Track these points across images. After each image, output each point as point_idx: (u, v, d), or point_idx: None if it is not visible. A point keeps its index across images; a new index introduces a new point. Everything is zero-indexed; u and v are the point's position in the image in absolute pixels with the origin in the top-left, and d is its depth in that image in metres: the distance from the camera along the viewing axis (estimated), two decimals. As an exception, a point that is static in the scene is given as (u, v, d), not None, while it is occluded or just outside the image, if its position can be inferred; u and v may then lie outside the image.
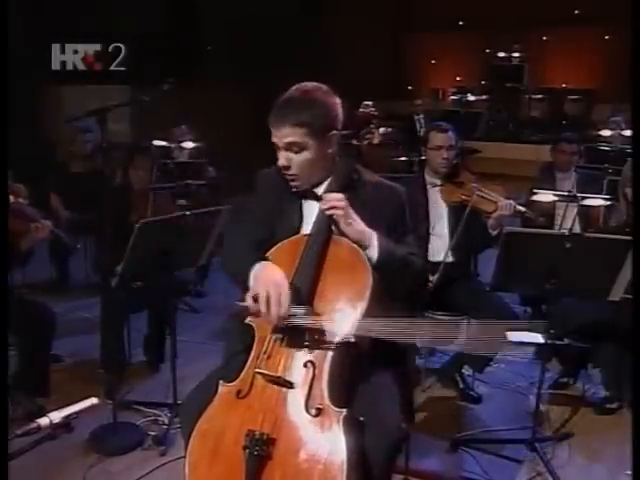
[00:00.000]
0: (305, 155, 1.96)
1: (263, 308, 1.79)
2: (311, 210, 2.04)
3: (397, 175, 4.29)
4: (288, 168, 1.98)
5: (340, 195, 1.93)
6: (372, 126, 2.10)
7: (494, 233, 3.36)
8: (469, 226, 3.46)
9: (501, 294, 3.40)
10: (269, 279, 1.82)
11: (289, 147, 1.95)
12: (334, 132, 1.97)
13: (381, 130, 2.08)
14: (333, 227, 1.96)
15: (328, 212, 1.91)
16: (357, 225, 1.92)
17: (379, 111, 2.13)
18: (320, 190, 2.03)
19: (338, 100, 2.00)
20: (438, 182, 3.51)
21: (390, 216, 2.04)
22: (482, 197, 3.42)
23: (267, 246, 2.06)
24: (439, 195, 3.50)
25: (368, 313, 1.85)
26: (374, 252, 1.91)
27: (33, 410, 3.04)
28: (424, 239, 3.39)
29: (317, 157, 1.97)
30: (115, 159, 3.53)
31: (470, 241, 3.50)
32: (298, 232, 2.04)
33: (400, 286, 2.04)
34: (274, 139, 1.98)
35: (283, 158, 1.97)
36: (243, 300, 1.88)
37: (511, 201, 3.37)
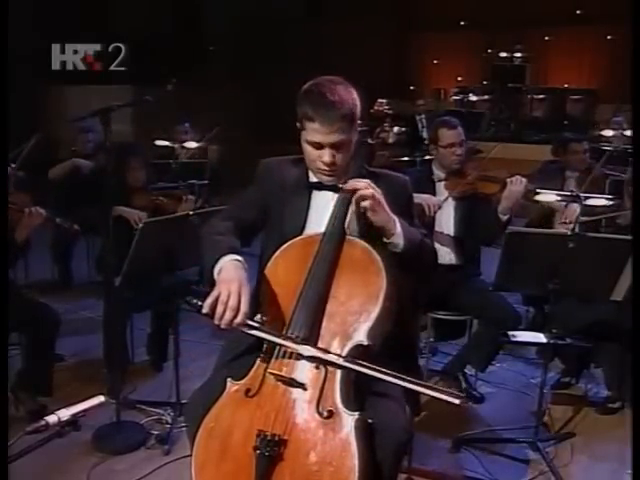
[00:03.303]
0: (347, 149, 1.96)
1: (220, 309, 1.76)
2: (318, 202, 2.04)
3: (406, 169, 4.29)
4: (333, 164, 1.96)
5: (366, 181, 1.91)
6: (386, 125, 2.10)
7: (505, 218, 3.25)
8: (475, 215, 3.41)
9: (504, 294, 3.40)
10: (233, 281, 1.78)
11: (337, 145, 1.93)
12: (359, 121, 1.98)
13: (395, 130, 2.09)
14: (347, 226, 1.96)
15: (358, 200, 1.88)
16: (384, 212, 1.90)
17: (392, 110, 2.13)
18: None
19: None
20: (443, 176, 3.50)
21: (399, 206, 2.02)
22: (486, 180, 3.37)
23: (258, 236, 2.09)
24: (444, 189, 3.47)
25: (382, 316, 1.85)
26: (400, 239, 1.91)
27: (36, 409, 3.05)
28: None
29: (352, 149, 1.98)
30: (112, 160, 3.55)
31: (477, 231, 3.42)
32: (304, 224, 2.04)
33: (421, 269, 2.05)
34: (317, 138, 1.92)
35: (329, 155, 1.94)
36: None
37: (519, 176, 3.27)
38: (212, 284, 1.85)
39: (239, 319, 1.76)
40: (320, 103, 1.90)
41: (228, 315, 1.75)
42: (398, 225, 1.92)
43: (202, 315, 1.78)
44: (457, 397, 1.67)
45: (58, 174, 5.02)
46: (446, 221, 3.45)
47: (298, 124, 1.98)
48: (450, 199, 3.43)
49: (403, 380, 1.74)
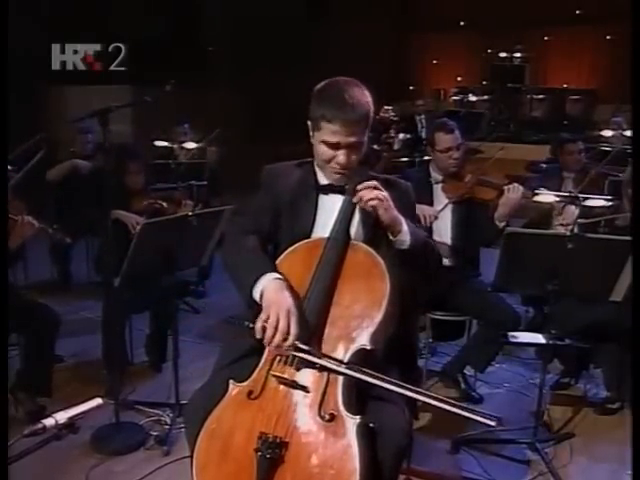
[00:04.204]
0: (361, 151, 1.95)
1: (270, 332, 1.78)
2: (325, 205, 2.04)
3: (405, 170, 4.28)
4: (347, 165, 1.95)
5: (373, 183, 1.92)
6: (392, 131, 2.10)
7: (501, 225, 3.24)
8: (472, 219, 3.41)
9: (503, 295, 3.40)
10: (282, 305, 1.80)
11: (353, 146, 1.92)
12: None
13: (400, 136, 2.10)
14: (352, 230, 1.97)
15: (366, 205, 1.89)
16: (392, 210, 1.91)
17: (397, 116, 2.12)
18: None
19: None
20: (440, 178, 3.48)
21: (403, 210, 2.02)
22: (483, 185, 3.36)
23: (274, 243, 2.08)
24: (442, 191, 3.46)
25: (385, 321, 1.85)
26: (406, 236, 1.92)
27: (35, 410, 3.05)
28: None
29: (363, 151, 1.97)
30: (110, 162, 3.54)
31: (473, 235, 3.42)
32: (312, 228, 2.04)
33: (426, 267, 2.06)
34: (335, 139, 1.90)
35: (344, 156, 1.93)
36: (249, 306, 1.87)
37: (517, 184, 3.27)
38: (250, 303, 1.88)
39: (289, 342, 1.78)
40: (339, 105, 1.88)
41: (278, 338, 1.78)
42: (404, 223, 1.94)
43: (255, 338, 1.82)
44: (491, 418, 1.67)
45: (57, 175, 5.01)
46: (444, 226, 3.44)
47: (310, 124, 1.97)
48: (447, 200, 3.42)
49: (438, 400, 1.73)
